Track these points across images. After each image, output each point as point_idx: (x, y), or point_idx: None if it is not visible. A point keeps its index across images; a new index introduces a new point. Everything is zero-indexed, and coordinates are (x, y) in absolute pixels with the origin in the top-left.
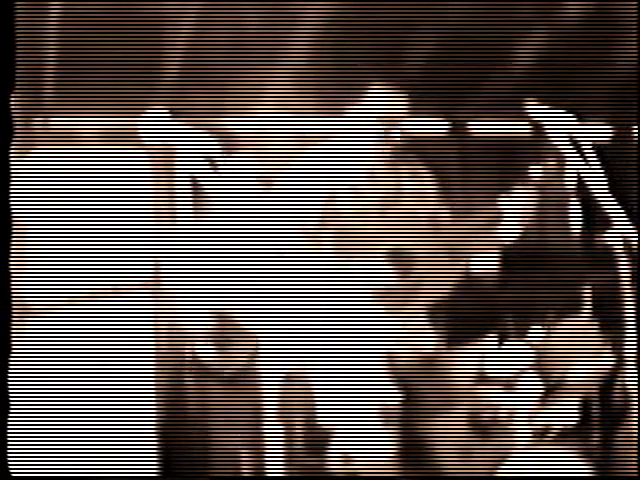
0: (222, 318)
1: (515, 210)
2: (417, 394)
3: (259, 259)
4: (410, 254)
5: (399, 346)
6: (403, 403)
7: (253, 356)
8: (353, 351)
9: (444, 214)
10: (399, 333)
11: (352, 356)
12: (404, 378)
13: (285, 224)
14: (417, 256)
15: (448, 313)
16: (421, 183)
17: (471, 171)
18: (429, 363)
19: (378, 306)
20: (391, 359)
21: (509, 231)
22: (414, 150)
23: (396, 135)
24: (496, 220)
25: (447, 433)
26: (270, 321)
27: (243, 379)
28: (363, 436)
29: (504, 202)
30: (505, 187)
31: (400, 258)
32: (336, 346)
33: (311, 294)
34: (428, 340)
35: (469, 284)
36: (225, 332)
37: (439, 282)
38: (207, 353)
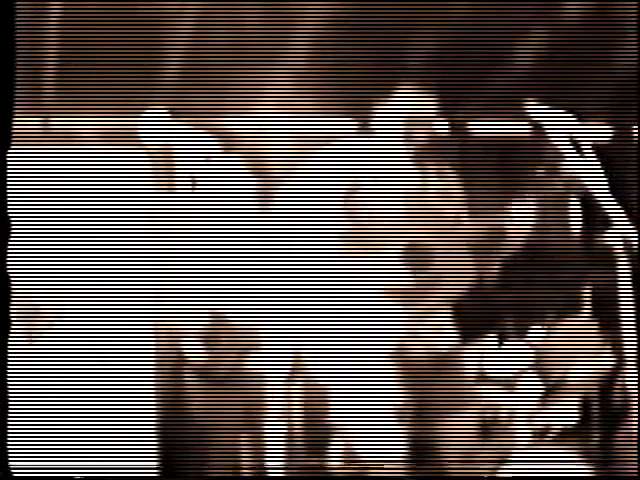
0: (216, 318)
1: (527, 212)
2: (427, 393)
3: (268, 258)
4: (426, 252)
5: (410, 344)
6: (413, 402)
7: (242, 356)
8: (362, 349)
9: (463, 213)
10: (410, 331)
11: (361, 355)
12: (414, 377)
13: (298, 225)
14: (433, 255)
15: (465, 311)
16: (444, 182)
17: (471, 171)
18: (439, 362)
19: (390, 304)
20: (400, 358)
21: (520, 232)
22: (436, 149)
23: (419, 135)
24: (508, 221)
25: (455, 433)
26: (272, 320)
27: (242, 379)
28: (372, 435)
29: (516, 204)
30: (505, 187)
31: (415, 255)
32: (343, 345)
33: (322, 293)
34: (441, 339)
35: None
36: (218, 332)
37: (454, 280)
38: (197, 353)
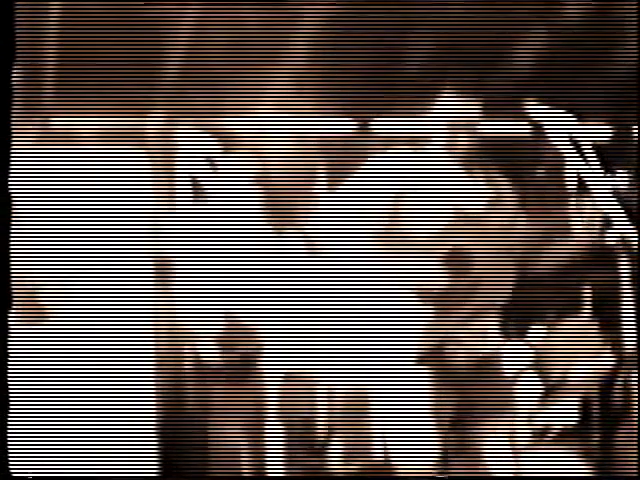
0: (229, 319)
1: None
2: (462, 397)
3: (302, 259)
4: (467, 257)
5: (446, 349)
6: (448, 406)
7: (255, 356)
8: (396, 352)
9: (510, 218)
10: (446, 336)
11: (394, 357)
12: (449, 381)
13: (338, 228)
14: (473, 260)
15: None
16: (496, 187)
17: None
18: (477, 366)
19: (426, 308)
20: (435, 362)
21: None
22: (482, 153)
23: (464, 140)
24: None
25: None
26: (281, 320)
27: (246, 378)
28: (408, 436)
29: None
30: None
31: (456, 261)
32: (375, 347)
33: (349, 295)
34: (479, 343)
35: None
36: (231, 332)
37: (495, 284)
38: (210, 353)
